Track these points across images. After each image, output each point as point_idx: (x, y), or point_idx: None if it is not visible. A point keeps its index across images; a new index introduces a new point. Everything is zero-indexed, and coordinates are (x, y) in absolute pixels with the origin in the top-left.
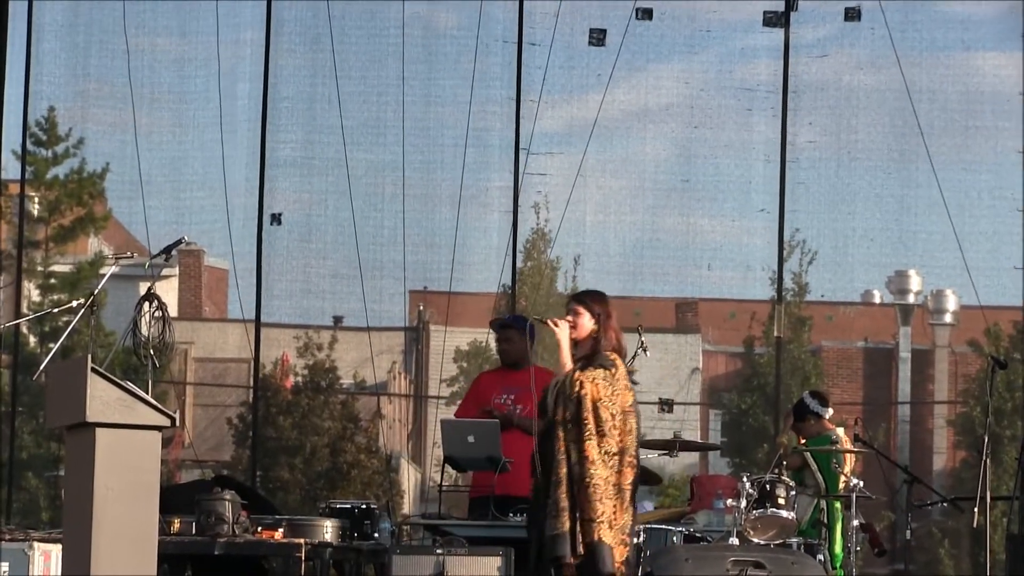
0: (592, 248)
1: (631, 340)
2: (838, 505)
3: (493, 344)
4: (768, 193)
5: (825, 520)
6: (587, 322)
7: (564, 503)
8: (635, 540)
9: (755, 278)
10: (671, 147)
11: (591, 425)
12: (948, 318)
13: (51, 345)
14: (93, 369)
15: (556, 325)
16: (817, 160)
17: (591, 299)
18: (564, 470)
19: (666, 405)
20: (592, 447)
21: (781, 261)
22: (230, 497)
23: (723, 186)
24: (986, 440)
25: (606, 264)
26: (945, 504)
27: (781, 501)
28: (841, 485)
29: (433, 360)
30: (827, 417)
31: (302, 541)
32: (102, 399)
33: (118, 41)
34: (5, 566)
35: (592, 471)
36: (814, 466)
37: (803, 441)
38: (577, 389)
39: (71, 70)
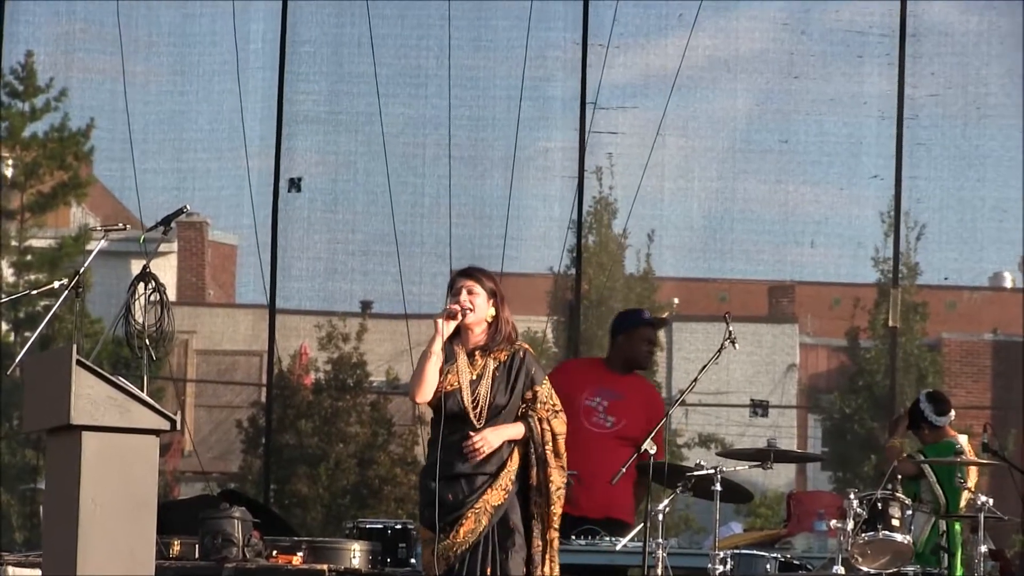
0: (671, 220)
1: (717, 329)
2: (958, 527)
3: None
4: (882, 156)
5: (945, 544)
6: (483, 303)
7: None
8: (721, 568)
9: (866, 257)
10: (766, 101)
11: None
12: None
13: (28, 334)
14: (78, 362)
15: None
16: (940, 117)
17: (486, 276)
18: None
19: (759, 408)
20: None
21: (897, 237)
22: (239, 515)
23: (828, 148)
24: None
25: (687, 240)
26: None
27: (895, 522)
28: (964, 503)
29: None
30: (943, 426)
31: (325, 567)
32: (89, 398)
33: None
34: None
35: None
36: (933, 478)
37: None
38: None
39: (52, 8)
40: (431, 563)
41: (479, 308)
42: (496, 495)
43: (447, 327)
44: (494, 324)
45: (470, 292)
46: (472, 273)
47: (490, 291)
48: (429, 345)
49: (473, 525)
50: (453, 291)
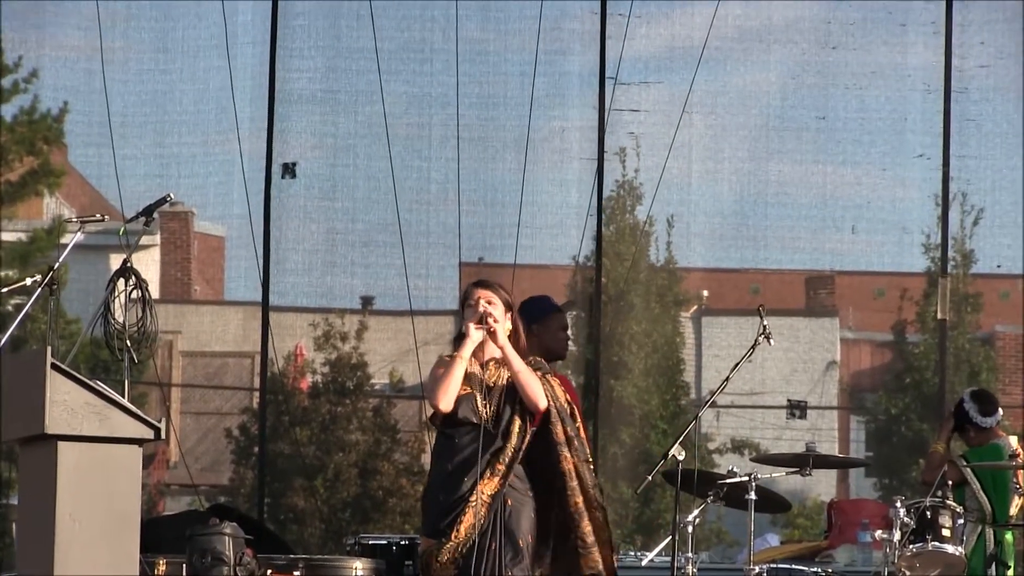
0: (699, 206)
1: (750, 324)
2: (1010, 537)
3: (568, 330)
4: (928, 134)
5: (997, 553)
6: (502, 316)
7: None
8: None
9: (912, 243)
10: (802, 75)
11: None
12: None
13: None
14: (54, 366)
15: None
16: (991, 91)
17: (501, 288)
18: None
19: (796, 409)
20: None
21: (946, 221)
22: (231, 531)
23: (869, 125)
24: None
25: (717, 226)
26: None
27: (945, 532)
28: (1015, 510)
29: None
30: (990, 427)
31: None
32: (66, 405)
33: None
34: None
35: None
36: (976, 485)
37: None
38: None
39: None
40: (437, 570)
41: (500, 321)
42: (491, 484)
43: (479, 334)
44: (511, 337)
45: (490, 303)
46: (488, 284)
47: (506, 303)
48: (459, 350)
49: (473, 520)
50: (468, 304)
